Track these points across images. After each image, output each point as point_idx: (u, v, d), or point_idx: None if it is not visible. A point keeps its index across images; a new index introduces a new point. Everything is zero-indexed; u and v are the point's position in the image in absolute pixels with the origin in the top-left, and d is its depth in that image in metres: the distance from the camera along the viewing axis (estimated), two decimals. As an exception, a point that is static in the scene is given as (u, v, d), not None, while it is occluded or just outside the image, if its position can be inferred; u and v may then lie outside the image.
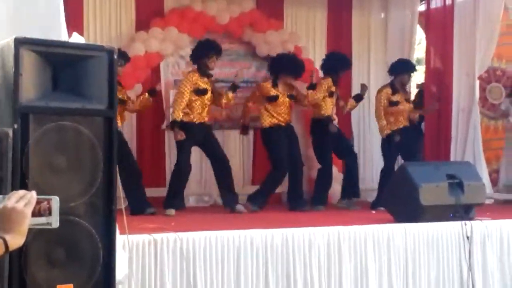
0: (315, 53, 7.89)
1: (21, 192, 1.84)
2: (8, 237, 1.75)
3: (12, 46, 2.58)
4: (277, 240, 4.41)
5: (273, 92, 6.61)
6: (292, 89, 6.81)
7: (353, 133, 8.11)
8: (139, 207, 5.79)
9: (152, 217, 5.64)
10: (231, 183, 6.26)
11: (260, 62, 7.70)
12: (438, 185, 5.12)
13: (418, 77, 8.71)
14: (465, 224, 5.00)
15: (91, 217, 2.69)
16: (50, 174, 2.61)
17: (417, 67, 7.56)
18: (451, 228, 5.00)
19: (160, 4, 7.24)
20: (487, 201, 6.12)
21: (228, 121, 7.35)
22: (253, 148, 7.57)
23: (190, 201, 7.12)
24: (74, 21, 5.89)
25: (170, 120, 6.42)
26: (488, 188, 6.87)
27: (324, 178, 6.80)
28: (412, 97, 7.99)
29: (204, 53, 6.21)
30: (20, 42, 2.59)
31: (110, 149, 2.76)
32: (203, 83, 6.21)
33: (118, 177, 2.93)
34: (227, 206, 6.23)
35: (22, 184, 2.50)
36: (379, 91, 7.14)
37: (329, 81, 6.89)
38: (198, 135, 6.16)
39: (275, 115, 6.60)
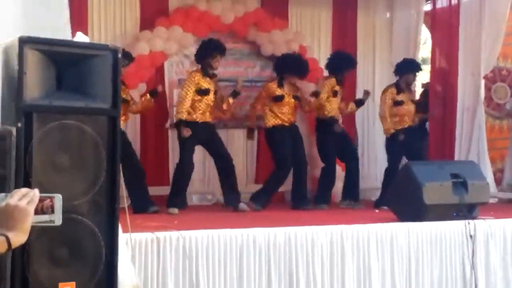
0: (320, 53, 7.89)
1: (24, 190, 1.85)
2: (10, 235, 1.76)
3: (16, 45, 2.59)
4: (280, 238, 4.42)
5: (278, 92, 6.62)
6: (298, 91, 6.82)
7: (357, 132, 8.10)
8: (142, 205, 5.81)
9: (155, 215, 5.66)
10: (234, 182, 6.27)
11: (264, 61, 7.70)
12: (442, 184, 5.12)
13: (423, 77, 8.70)
14: (469, 223, 5.01)
15: (94, 216, 2.70)
16: (54, 173, 2.62)
17: (422, 67, 7.55)
18: (455, 227, 5.00)
19: (164, 3, 7.25)
20: (491, 200, 6.11)
21: (232, 120, 7.36)
22: (257, 147, 7.58)
23: (193, 199, 7.14)
24: (79, 20, 5.90)
25: (175, 120, 6.43)
26: (492, 187, 6.86)
27: (328, 177, 6.81)
28: (417, 97, 7.98)
29: (208, 52, 6.22)
30: (24, 41, 2.60)
31: (113, 148, 2.77)
32: (205, 83, 6.22)
33: (121, 176, 2.94)
34: (229, 206, 6.24)
35: (26, 182, 2.51)
36: (384, 91, 7.15)
37: (332, 81, 6.89)
38: (201, 134, 6.17)
39: (279, 115, 6.61)
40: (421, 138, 7.50)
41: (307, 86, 7.33)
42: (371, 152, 8.11)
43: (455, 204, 5.12)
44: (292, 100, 6.69)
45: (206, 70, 6.24)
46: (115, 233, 2.76)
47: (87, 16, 6.67)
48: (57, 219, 1.90)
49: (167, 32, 7.02)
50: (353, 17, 8.17)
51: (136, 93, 6.75)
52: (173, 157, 6.96)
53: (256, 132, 7.02)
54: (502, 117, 8.23)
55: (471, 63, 7.56)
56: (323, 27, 8.08)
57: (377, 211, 6.40)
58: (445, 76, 7.81)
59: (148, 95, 6.42)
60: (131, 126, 6.82)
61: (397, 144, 6.91)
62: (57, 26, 3.07)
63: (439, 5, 7.90)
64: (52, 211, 1.89)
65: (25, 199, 1.81)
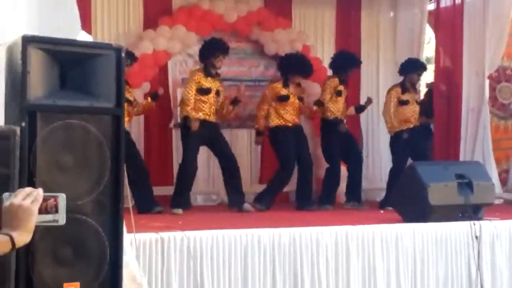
0: (323, 52, 7.87)
1: (28, 189, 1.84)
2: (15, 234, 1.75)
3: (20, 44, 2.58)
4: (284, 239, 4.40)
5: (284, 92, 6.60)
6: (303, 92, 6.81)
7: (362, 133, 8.08)
8: (146, 206, 5.80)
9: (159, 216, 5.65)
10: (238, 183, 6.25)
11: (268, 60, 7.69)
12: (447, 185, 5.10)
13: (427, 77, 8.67)
14: (474, 224, 4.98)
15: (98, 216, 2.68)
16: (58, 172, 2.61)
17: (427, 66, 7.53)
18: (460, 228, 4.98)
19: (168, 2, 7.26)
20: (497, 201, 6.09)
21: (236, 120, 7.34)
22: (261, 147, 7.56)
23: (198, 200, 7.13)
24: (82, 19, 5.81)
25: (179, 120, 6.41)
26: (498, 188, 6.83)
27: (332, 177, 6.79)
28: (422, 97, 7.95)
29: (210, 52, 6.21)
30: (27, 40, 2.58)
31: (117, 148, 2.75)
32: (206, 82, 6.20)
33: (126, 176, 2.92)
34: (233, 206, 6.22)
35: (30, 182, 2.49)
36: (389, 90, 7.14)
37: (335, 81, 6.87)
38: (204, 133, 6.15)
39: (283, 115, 6.59)
40: (426, 138, 7.48)
41: (311, 86, 7.31)
42: (375, 153, 8.09)
43: (460, 205, 5.10)
44: (297, 101, 6.67)
45: (209, 70, 6.22)
46: (119, 233, 2.75)
47: (91, 15, 6.66)
48: (61, 218, 1.89)
49: (171, 31, 7.01)
50: (357, 17, 8.15)
51: (140, 92, 6.74)
52: (177, 157, 6.94)
53: (262, 135, 6.94)
54: (507, 117, 8.19)
55: (475, 63, 7.54)
56: (326, 27, 8.07)
57: (382, 211, 6.38)
58: (450, 76, 7.78)
59: (149, 98, 6.42)
60: (135, 126, 6.81)
61: (401, 143, 6.89)
62: (71, 28, 3.08)
63: (442, 4, 7.87)
64: (56, 211, 1.88)
65: (29, 198, 1.80)
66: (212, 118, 6.27)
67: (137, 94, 6.60)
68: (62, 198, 1.89)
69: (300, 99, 6.74)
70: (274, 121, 6.61)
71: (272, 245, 4.36)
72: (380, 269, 4.67)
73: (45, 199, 1.85)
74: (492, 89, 8.04)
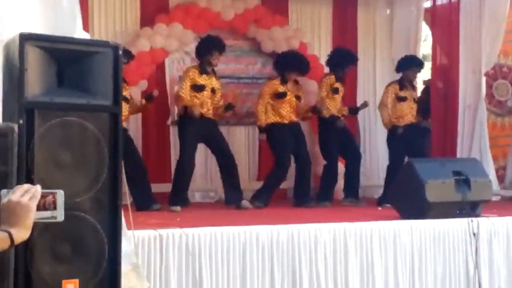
0: (320, 49, 7.88)
1: (26, 186, 1.84)
2: (13, 231, 1.75)
3: (17, 41, 2.58)
4: (282, 236, 4.40)
5: (281, 89, 6.60)
6: (299, 90, 6.81)
7: (359, 130, 8.09)
8: (145, 203, 5.79)
9: (158, 213, 5.65)
10: (236, 180, 6.24)
11: (265, 58, 7.69)
12: (445, 182, 5.11)
13: (424, 74, 8.69)
14: (472, 221, 4.99)
15: (96, 213, 2.69)
16: (55, 170, 2.61)
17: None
18: (458, 225, 4.98)
19: (164, 0, 7.24)
20: (494, 198, 6.10)
21: (233, 117, 7.34)
22: (259, 144, 7.56)
23: (196, 197, 7.13)
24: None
25: (176, 116, 6.40)
26: (495, 185, 6.85)
27: (330, 174, 6.80)
28: (419, 94, 7.96)
29: (206, 50, 6.21)
30: (25, 38, 2.58)
31: (115, 145, 2.75)
32: (201, 79, 6.19)
33: (124, 173, 2.92)
34: (231, 203, 6.23)
35: (28, 179, 2.49)
36: (387, 86, 7.16)
37: (332, 78, 6.87)
38: (202, 129, 6.14)
39: (279, 112, 6.59)
40: (423, 135, 7.49)
41: (308, 83, 7.32)
42: (373, 150, 8.10)
43: (458, 202, 5.10)
44: (294, 99, 6.67)
45: (204, 67, 6.22)
46: (117, 230, 2.75)
47: (88, 13, 6.65)
48: (60, 215, 1.89)
49: (167, 29, 7.01)
50: (353, 14, 8.16)
51: (137, 90, 6.74)
52: (175, 154, 6.94)
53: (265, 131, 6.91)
54: (504, 114, 8.21)
55: (472, 60, 7.55)
56: (323, 24, 8.07)
57: (379, 208, 6.39)
58: (446, 73, 7.79)
59: (143, 100, 6.42)
60: (132, 123, 6.81)
61: (397, 138, 6.90)
62: (69, 28, 3.09)
63: (439, 1, 7.89)
64: (55, 207, 1.88)
65: (27, 195, 1.80)
66: (210, 115, 6.27)
67: (134, 91, 6.59)
68: (60, 195, 1.89)
69: (298, 98, 6.73)
70: (271, 118, 6.61)
71: (271, 242, 4.36)
72: (378, 266, 4.67)
73: (43, 196, 1.85)
74: (489, 86, 8.06)
